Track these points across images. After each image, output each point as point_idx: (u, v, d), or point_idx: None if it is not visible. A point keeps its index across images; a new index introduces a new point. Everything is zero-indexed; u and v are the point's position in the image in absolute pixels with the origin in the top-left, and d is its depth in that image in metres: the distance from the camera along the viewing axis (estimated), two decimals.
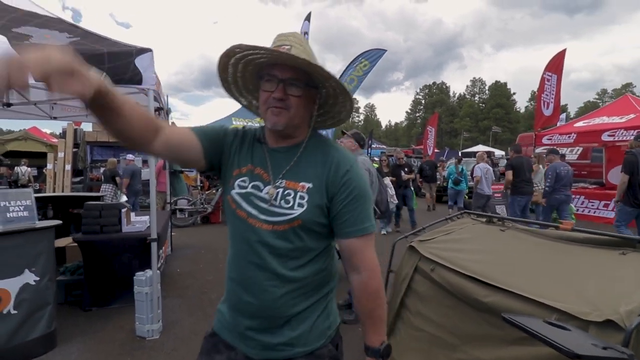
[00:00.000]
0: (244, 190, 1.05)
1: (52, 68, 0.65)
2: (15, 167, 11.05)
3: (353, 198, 1.02)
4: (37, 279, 2.79)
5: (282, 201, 1.01)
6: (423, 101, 71.52)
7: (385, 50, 7.07)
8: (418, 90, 75.55)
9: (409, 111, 73.44)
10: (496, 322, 1.62)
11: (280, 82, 0.98)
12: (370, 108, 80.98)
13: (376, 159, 11.32)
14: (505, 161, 10.80)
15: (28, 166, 11.40)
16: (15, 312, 2.69)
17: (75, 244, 3.72)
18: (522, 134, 12.88)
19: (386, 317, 1.11)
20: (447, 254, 2.14)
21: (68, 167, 8.43)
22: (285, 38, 1.01)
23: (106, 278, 3.64)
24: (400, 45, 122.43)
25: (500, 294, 1.66)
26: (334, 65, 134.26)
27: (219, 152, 1.10)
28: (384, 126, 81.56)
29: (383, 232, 7.19)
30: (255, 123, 8.06)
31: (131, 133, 0.93)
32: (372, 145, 18.36)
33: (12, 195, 2.93)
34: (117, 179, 7.73)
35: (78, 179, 8.97)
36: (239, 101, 1.19)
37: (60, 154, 8.56)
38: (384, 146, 25.70)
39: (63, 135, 9.31)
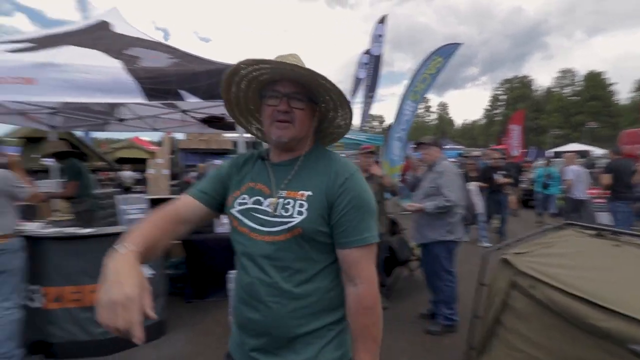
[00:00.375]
0: (244, 207, 1.07)
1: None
2: (120, 172, 12.71)
3: (352, 207, 1.00)
4: (153, 272, 3.20)
5: (282, 210, 1.01)
6: (503, 97, 66.26)
7: (461, 44, 6.68)
8: (496, 85, 70.25)
9: (487, 108, 68.56)
10: (616, 351, 1.47)
11: (284, 97, 1.02)
12: (443, 107, 77.33)
13: (453, 160, 10.78)
14: (605, 160, 9.54)
15: (132, 171, 13.02)
16: None
17: (179, 241, 4.18)
18: (626, 130, 11.24)
19: (380, 337, 1.03)
20: (550, 269, 1.99)
21: (166, 171, 9.45)
22: (284, 58, 1.03)
23: (205, 273, 4.02)
24: (475, 39, 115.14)
25: (620, 319, 1.50)
26: (403, 64, 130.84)
27: (222, 192, 1.15)
28: (458, 125, 77.33)
29: (485, 243, 6.48)
30: None
31: (167, 245, 1.08)
32: (446, 147, 17.54)
33: (130, 200, 3.41)
34: None
35: (175, 182, 10.03)
36: (238, 121, 1.22)
37: (159, 160, 9.64)
38: (460, 146, 24.30)
39: (161, 143, 10.49)
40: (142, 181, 11.99)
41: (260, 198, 1.06)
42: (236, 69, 1.03)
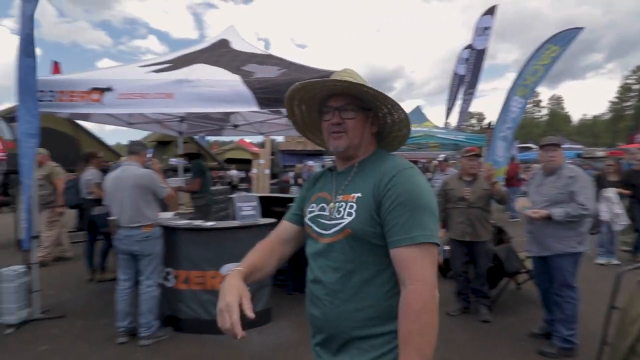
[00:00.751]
0: (313, 214, 1.16)
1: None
2: (229, 171, 14.17)
3: (399, 204, 0.97)
4: None
5: (336, 212, 1.07)
6: (636, 86, 55.61)
7: (582, 29, 5.81)
8: (627, 73, 59.07)
9: (615, 100, 58.28)
10: None
11: (335, 110, 1.09)
12: (557, 100, 68.13)
13: (570, 161, 9.43)
14: None
15: (237, 170, 14.41)
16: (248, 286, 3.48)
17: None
18: None
19: (428, 351, 0.90)
20: None
21: (267, 171, 10.27)
22: (337, 75, 1.11)
23: (305, 268, 4.27)
24: (598, 20, 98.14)
25: None
26: (507, 56, 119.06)
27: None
28: (575, 121, 67.33)
29: (600, 260, 5.62)
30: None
31: (276, 264, 1.24)
32: (564, 146, 15.42)
33: (244, 198, 3.80)
34: (301, 181, 8.99)
35: (274, 181, 10.86)
36: (309, 137, 1.33)
37: (261, 161, 10.49)
38: (579, 145, 21.12)
39: (263, 145, 11.42)
40: (246, 179, 13.18)
41: (324, 205, 1.14)
42: (291, 95, 1.14)
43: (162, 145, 11.19)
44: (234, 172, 14.40)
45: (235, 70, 3.79)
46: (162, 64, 4.06)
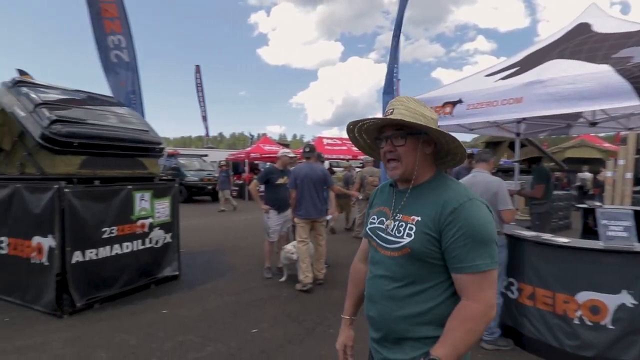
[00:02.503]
0: (373, 225, 1.29)
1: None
2: (578, 174, 11.91)
3: (461, 235, 1.06)
4: (635, 302, 2.76)
5: (396, 231, 1.17)
6: None
7: None
8: None
9: None
10: None
11: (387, 138, 1.19)
12: None
13: None
14: None
15: (589, 172, 11.81)
16: (612, 327, 2.82)
17: None
18: None
19: (460, 351, 1.04)
20: None
21: (629, 175, 7.88)
22: (390, 105, 1.20)
23: None
24: None
25: None
26: None
27: None
28: None
29: None
30: None
31: None
32: None
33: (611, 213, 3.08)
34: None
35: (638, 187, 8.18)
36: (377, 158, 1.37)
37: (620, 162, 8.16)
38: None
39: (624, 141, 8.83)
40: (596, 184, 10.71)
41: (383, 219, 1.25)
42: (348, 130, 1.27)
43: (492, 145, 11.05)
44: (586, 175, 11.90)
45: (602, 59, 3.13)
46: (509, 69, 3.97)
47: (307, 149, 5.20)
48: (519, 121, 5.63)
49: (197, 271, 5.69)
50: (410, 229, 1.13)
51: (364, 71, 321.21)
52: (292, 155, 5.68)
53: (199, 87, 24.93)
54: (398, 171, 1.19)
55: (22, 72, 4.98)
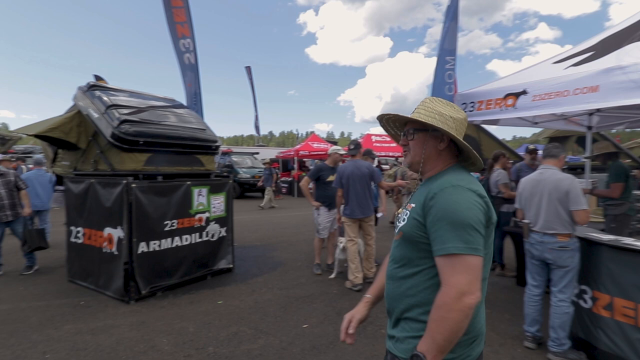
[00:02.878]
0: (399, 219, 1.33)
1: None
2: None
3: (437, 219, 1.10)
4: None
5: (401, 218, 1.28)
6: None
7: None
8: None
9: None
10: None
11: (404, 134, 1.33)
12: None
13: None
14: None
15: None
16: None
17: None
18: None
19: (440, 342, 1.05)
20: None
21: None
22: (418, 106, 1.31)
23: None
24: None
25: None
26: None
27: None
28: None
29: None
30: None
31: None
32: None
33: None
34: None
35: None
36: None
37: None
38: None
39: None
40: None
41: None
42: (379, 120, 1.40)
43: (558, 140, 10.16)
44: None
45: None
46: (582, 54, 3.61)
47: (352, 146, 5.09)
48: (591, 113, 5.11)
49: (250, 264, 5.88)
50: (406, 215, 1.25)
51: (414, 66, 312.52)
52: (343, 152, 5.64)
53: (251, 87, 25.75)
54: (407, 158, 1.33)
55: (97, 77, 5.45)
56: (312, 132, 27.46)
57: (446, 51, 5.34)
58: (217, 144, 5.54)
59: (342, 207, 4.91)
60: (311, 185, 5.68)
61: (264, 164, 14.70)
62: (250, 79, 25.65)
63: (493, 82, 4.29)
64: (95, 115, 4.55)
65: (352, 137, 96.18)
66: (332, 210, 5.40)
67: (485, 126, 8.11)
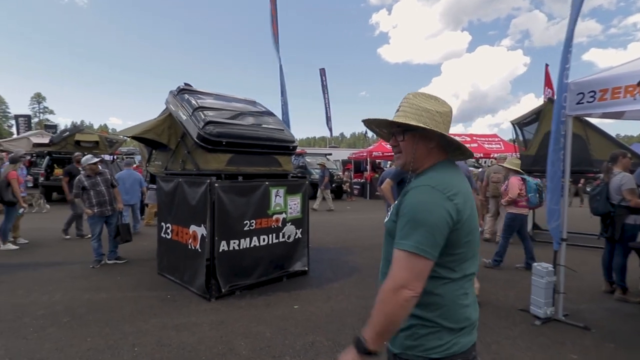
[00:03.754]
0: None
1: None
2: None
3: (402, 214, 1.18)
4: None
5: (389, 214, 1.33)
6: None
7: None
8: None
9: None
10: None
11: (392, 135, 1.35)
12: None
13: None
14: None
15: None
16: None
17: None
18: None
19: (378, 325, 1.12)
20: None
21: None
22: (400, 103, 1.31)
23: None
24: None
25: None
26: None
27: None
28: None
29: None
30: None
31: None
32: None
33: None
34: None
35: None
36: None
37: None
38: None
39: None
40: None
41: None
42: (365, 124, 1.41)
43: None
44: None
45: None
46: None
47: None
48: None
49: (325, 268, 5.72)
50: (390, 210, 1.32)
51: (495, 61, 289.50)
52: None
53: (324, 89, 25.96)
54: (400, 161, 1.33)
55: (186, 84, 5.77)
56: None
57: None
58: (294, 144, 5.49)
59: None
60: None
61: (318, 164, 14.62)
62: (324, 80, 25.86)
63: (620, 65, 3.53)
64: (183, 117, 4.77)
65: None
66: None
67: (591, 120, 6.93)
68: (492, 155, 15.69)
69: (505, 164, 5.93)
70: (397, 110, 1.29)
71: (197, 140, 4.51)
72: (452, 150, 1.32)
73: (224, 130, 4.55)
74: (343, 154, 25.26)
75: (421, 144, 1.27)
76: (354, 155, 20.87)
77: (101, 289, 4.64)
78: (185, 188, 4.70)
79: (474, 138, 17.93)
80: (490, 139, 18.33)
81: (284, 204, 5.07)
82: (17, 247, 6.71)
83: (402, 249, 1.12)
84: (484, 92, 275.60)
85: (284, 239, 5.08)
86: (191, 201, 4.57)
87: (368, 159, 18.64)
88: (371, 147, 20.18)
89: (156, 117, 5.61)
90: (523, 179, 5.58)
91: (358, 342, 1.14)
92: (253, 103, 6.01)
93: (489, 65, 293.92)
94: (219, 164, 4.65)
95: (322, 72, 26.06)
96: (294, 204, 5.23)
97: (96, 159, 5.74)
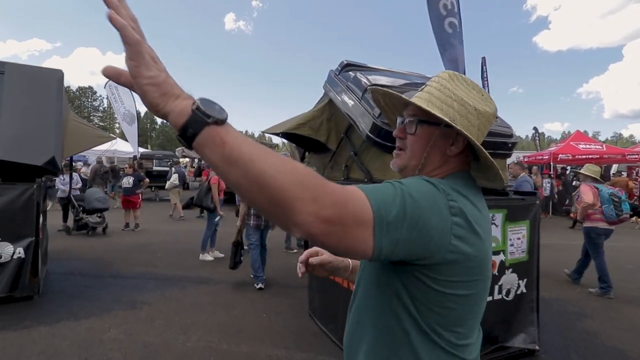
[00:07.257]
0: None
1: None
2: None
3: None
4: None
5: None
6: None
7: None
8: None
9: None
10: None
11: (402, 122, 0.93)
12: None
13: None
14: None
15: None
16: None
17: None
18: None
19: (237, 145, 0.61)
20: None
21: None
22: (430, 81, 0.93)
23: None
24: None
25: None
26: None
27: None
28: None
29: None
30: None
31: None
32: None
33: None
34: None
35: None
36: None
37: None
38: None
39: None
40: None
41: None
42: (371, 92, 1.08)
43: None
44: None
45: None
46: None
47: None
48: None
49: (562, 343, 3.44)
50: None
51: None
52: None
53: (485, 80, 22.27)
54: (398, 160, 0.93)
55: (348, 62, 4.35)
56: (541, 133, 21.22)
57: None
58: (513, 139, 3.45)
59: None
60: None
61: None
62: (485, 70, 22.17)
63: None
64: (349, 102, 3.29)
65: (600, 138, 73.30)
66: None
67: None
68: None
69: (582, 171, 5.40)
70: (420, 90, 0.92)
71: (370, 135, 2.96)
72: (475, 170, 0.92)
73: None
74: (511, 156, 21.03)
75: (437, 145, 0.87)
76: (526, 158, 16.83)
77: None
78: None
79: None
80: None
81: (503, 238, 3.08)
82: (212, 258, 6.24)
83: (363, 190, 0.70)
84: None
85: (499, 296, 3.09)
86: None
87: (551, 163, 14.62)
88: (554, 148, 15.93)
89: (312, 108, 4.34)
90: (596, 187, 4.94)
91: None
92: (428, 80, 4.18)
93: None
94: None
95: (483, 61, 22.27)
96: (518, 238, 3.18)
97: None
